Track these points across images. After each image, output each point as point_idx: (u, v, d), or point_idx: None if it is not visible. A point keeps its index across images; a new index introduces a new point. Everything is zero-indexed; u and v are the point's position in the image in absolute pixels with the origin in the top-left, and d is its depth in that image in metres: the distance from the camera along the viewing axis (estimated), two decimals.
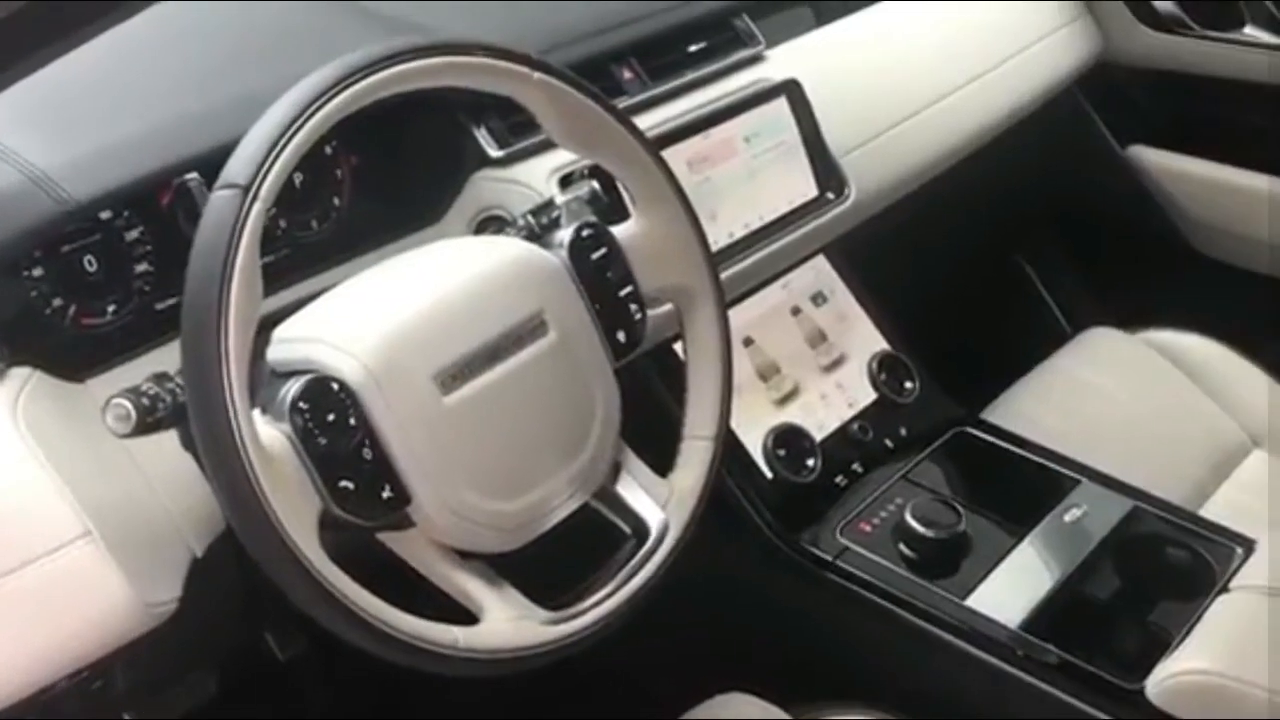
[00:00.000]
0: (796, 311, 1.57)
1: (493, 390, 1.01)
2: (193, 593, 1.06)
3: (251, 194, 0.88)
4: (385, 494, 0.95)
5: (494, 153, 1.34)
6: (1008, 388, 1.73)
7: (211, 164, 1.17)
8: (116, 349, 1.13)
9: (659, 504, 1.12)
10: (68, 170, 1.05)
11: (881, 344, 1.62)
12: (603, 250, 1.12)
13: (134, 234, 1.17)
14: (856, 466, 1.50)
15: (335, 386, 0.93)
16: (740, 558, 1.41)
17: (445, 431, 0.98)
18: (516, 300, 1.04)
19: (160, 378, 0.96)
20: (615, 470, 1.12)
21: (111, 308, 1.15)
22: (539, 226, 1.21)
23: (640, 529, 1.12)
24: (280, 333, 0.99)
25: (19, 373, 1.03)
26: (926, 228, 1.82)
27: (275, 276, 1.19)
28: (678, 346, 1.34)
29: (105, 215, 1.12)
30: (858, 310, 1.63)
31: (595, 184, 1.25)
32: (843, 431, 1.52)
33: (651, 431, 1.17)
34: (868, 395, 1.57)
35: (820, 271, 1.63)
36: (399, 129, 1.31)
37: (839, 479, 1.48)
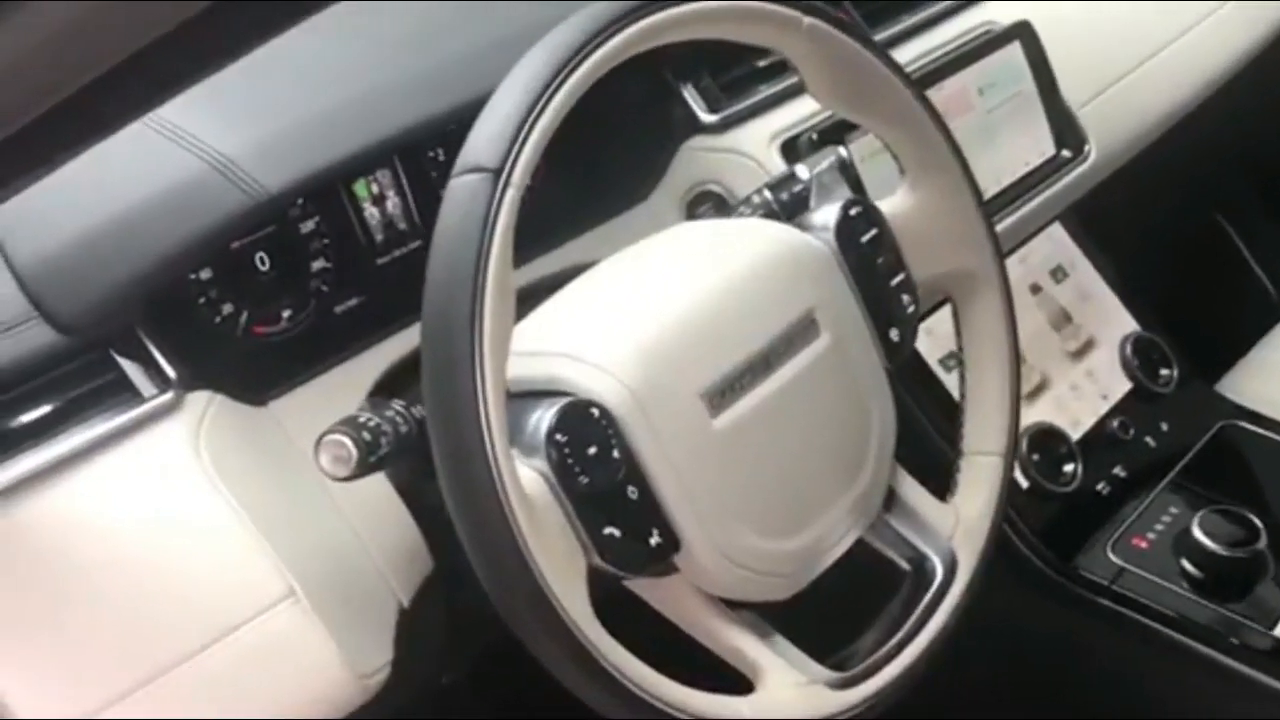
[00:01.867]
0: (1036, 290, 1.40)
1: (765, 408, 0.86)
2: (402, 654, 0.92)
3: (504, 179, 0.73)
4: (653, 540, 0.80)
5: (706, 117, 1.19)
6: (1226, 359, 1.55)
7: (422, 142, 1.05)
8: (297, 363, 0.99)
9: (944, 534, 0.97)
10: (255, 156, 0.91)
11: (1131, 324, 1.45)
12: (873, 232, 0.96)
13: (310, 225, 1.03)
14: (1119, 470, 1.33)
15: (595, 413, 0.78)
16: (997, 587, 1.24)
17: (717, 460, 0.83)
18: (787, 297, 0.89)
19: (377, 404, 0.82)
20: (889, 496, 0.97)
21: (287, 313, 1.02)
22: (779, 204, 1.05)
23: (920, 564, 0.97)
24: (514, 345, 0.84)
25: (197, 398, 0.90)
26: (1144, 185, 1.63)
27: None
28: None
29: None
30: (1101, 285, 1.46)
31: (843, 151, 1.09)
32: (1100, 429, 1.35)
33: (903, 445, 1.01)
34: (1122, 385, 1.40)
35: (1057, 242, 1.46)
36: (595, 94, 1.16)
37: (1101, 486, 1.31)
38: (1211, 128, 1.69)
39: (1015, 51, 1.38)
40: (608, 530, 0.78)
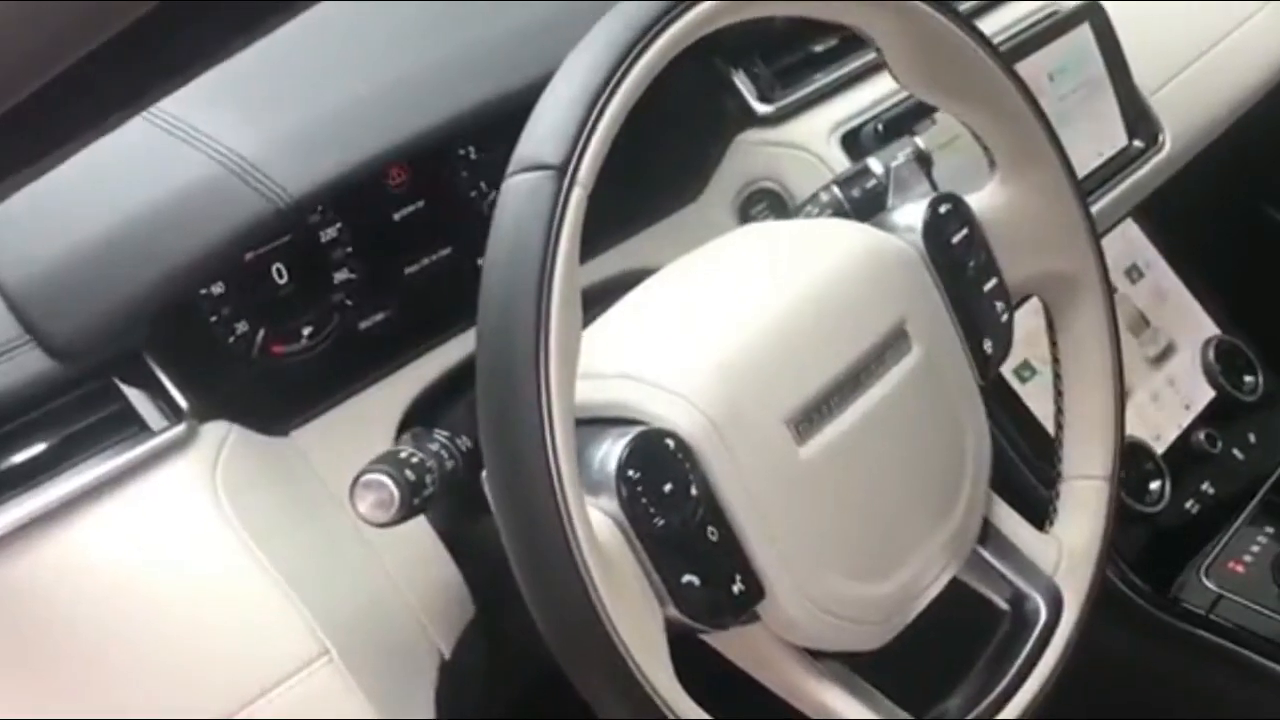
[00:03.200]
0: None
1: (854, 433, 0.77)
2: (444, 709, 0.83)
3: (570, 176, 0.64)
4: (736, 587, 0.71)
5: (761, 108, 1.10)
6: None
7: (451, 139, 0.96)
8: (320, 387, 0.90)
9: (1047, 569, 0.88)
10: (274, 156, 0.82)
11: (1211, 327, 1.36)
12: (964, 232, 0.87)
13: (331, 232, 0.94)
14: (1207, 487, 1.24)
15: (670, 445, 0.69)
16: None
17: (804, 495, 0.74)
18: (876, 307, 0.80)
19: (420, 436, 0.73)
20: (983, 527, 0.88)
21: (308, 330, 0.93)
22: (851, 202, 0.96)
23: (1020, 604, 0.87)
24: None
25: (213, 430, 0.81)
26: (1216, 176, 1.54)
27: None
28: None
29: None
30: (1178, 285, 1.37)
31: (920, 142, 0.99)
32: (1185, 442, 1.26)
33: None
34: (1204, 393, 1.31)
35: (1131, 239, 1.37)
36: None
37: (1190, 505, 1.22)
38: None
39: (1085, 34, 1.30)
40: (686, 578, 0.69)
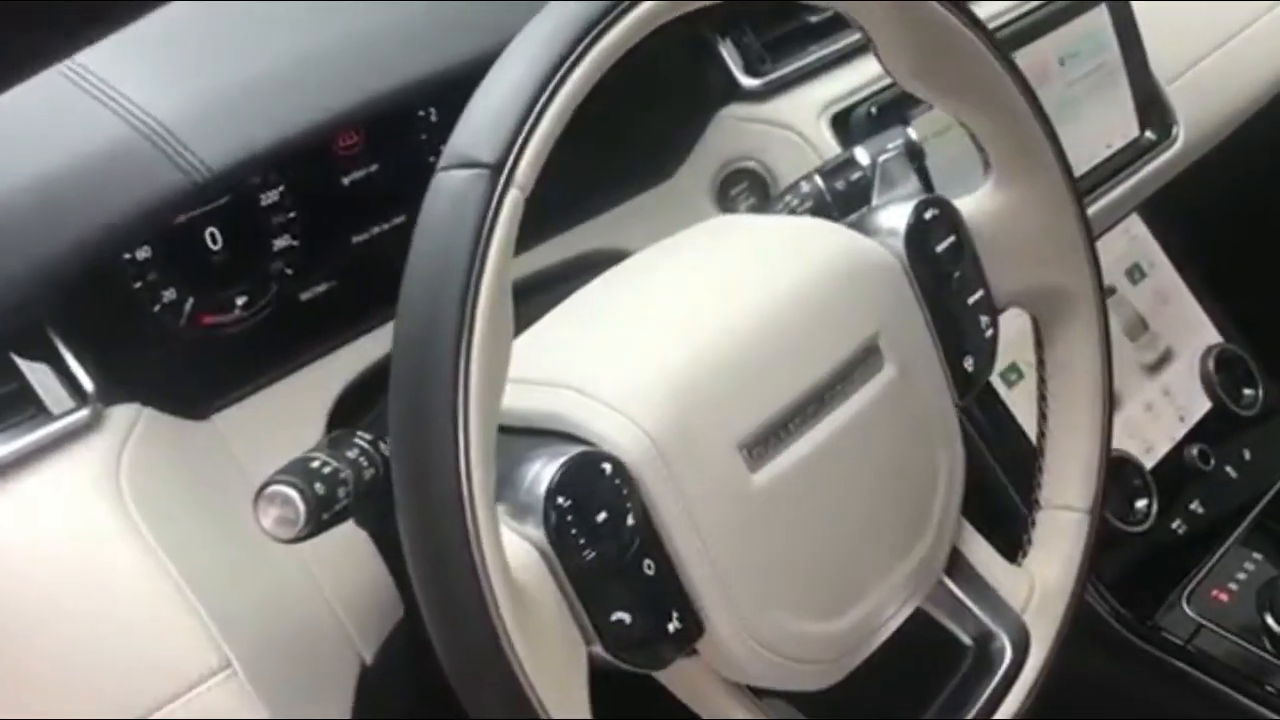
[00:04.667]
0: (1110, 292, 1.26)
1: (815, 458, 0.72)
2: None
3: (505, 176, 0.58)
4: (672, 625, 0.66)
5: (747, 82, 1.04)
6: None
7: (410, 102, 0.90)
8: (251, 363, 0.85)
9: (1015, 606, 0.83)
10: (195, 124, 0.76)
11: (1213, 334, 1.31)
12: (950, 239, 0.81)
13: (272, 196, 0.88)
14: (1196, 506, 1.19)
15: (607, 469, 0.64)
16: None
17: (755, 526, 0.69)
18: (847, 320, 0.75)
19: (338, 440, 0.68)
20: (953, 557, 0.83)
21: (242, 300, 0.87)
22: (834, 195, 0.90)
23: (986, 643, 0.83)
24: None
25: (122, 413, 0.75)
26: (1227, 173, 1.48)
27: None
28: None
29: None
30: (1181, 288, 1.32)
31: (911, 132, 0.93)
32: (1177, 457, 1.21)
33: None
34: (1201, 404, 1.27)
35: (1135, 237, 1.31)
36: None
37: (1177, 524, 1.17)
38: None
39: (1101, 17, 1.23)
40: (616, 615, 0.64)
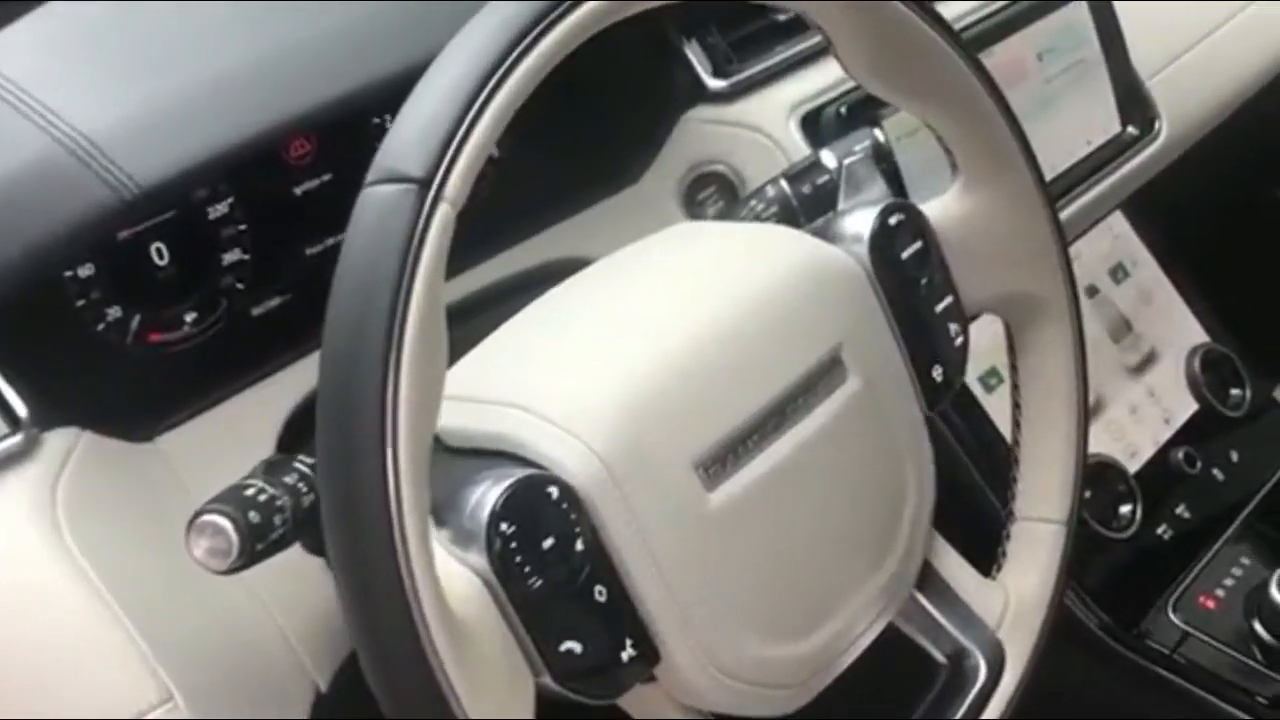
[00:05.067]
0: (1093, 292, 1.24)
1: (776, 475, 0.69)
2: None
3: (435, 191, 0.56)
4: (626, 653, 0.64)
5: (713, 83, 1.02)
6: None
7: (363, 108, 0.88)
8: (200, 382, 0.83)
9: (989, 622, 0.81)
10: (125, 138, 0.73)
11: (1199, 334, 1.28)
12: (916, 245, 0.79)
13: (221, 209, 0.86)
14: (1182, 510, 1.17)
15: (553, 493, 0.62)
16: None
17: (712, 548, 0.67)
18: (809, 332, 0.72)
19: (275, 466, 0.66)
20: (924, 571, 0.81)
21: (191, 316, 0.85)
22: (800, 199, 0.88)
23: (960, 660, 0.81)
24: (450, 386, 0.67)
25: (59, 438, 0.73)
26: (1212, 168, 1.45)
27: None
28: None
29: None
30: (1166, 286, 1.30)
31: (879, 133, 0.91)
32: (1161, 460, 1.19)
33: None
34: (1187, 406, 1.24)
35: (1118, 235, 1.29)
36: (579, 49, 0.98)
37: (1162, 530, 1.15)
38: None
39: (1080, 11, 1.21)
40: (566, 645, 0.62)
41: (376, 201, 0.56)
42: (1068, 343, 0.84)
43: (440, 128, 0.56)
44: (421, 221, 0.55)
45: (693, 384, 0.67)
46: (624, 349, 0.68)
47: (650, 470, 0.65)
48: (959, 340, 0.81)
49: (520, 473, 0.62)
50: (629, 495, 0.64)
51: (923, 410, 0.79)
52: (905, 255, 0.78)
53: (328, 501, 0.55)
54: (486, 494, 0.61)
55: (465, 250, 0.95)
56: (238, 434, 0.80)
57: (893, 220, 0.78)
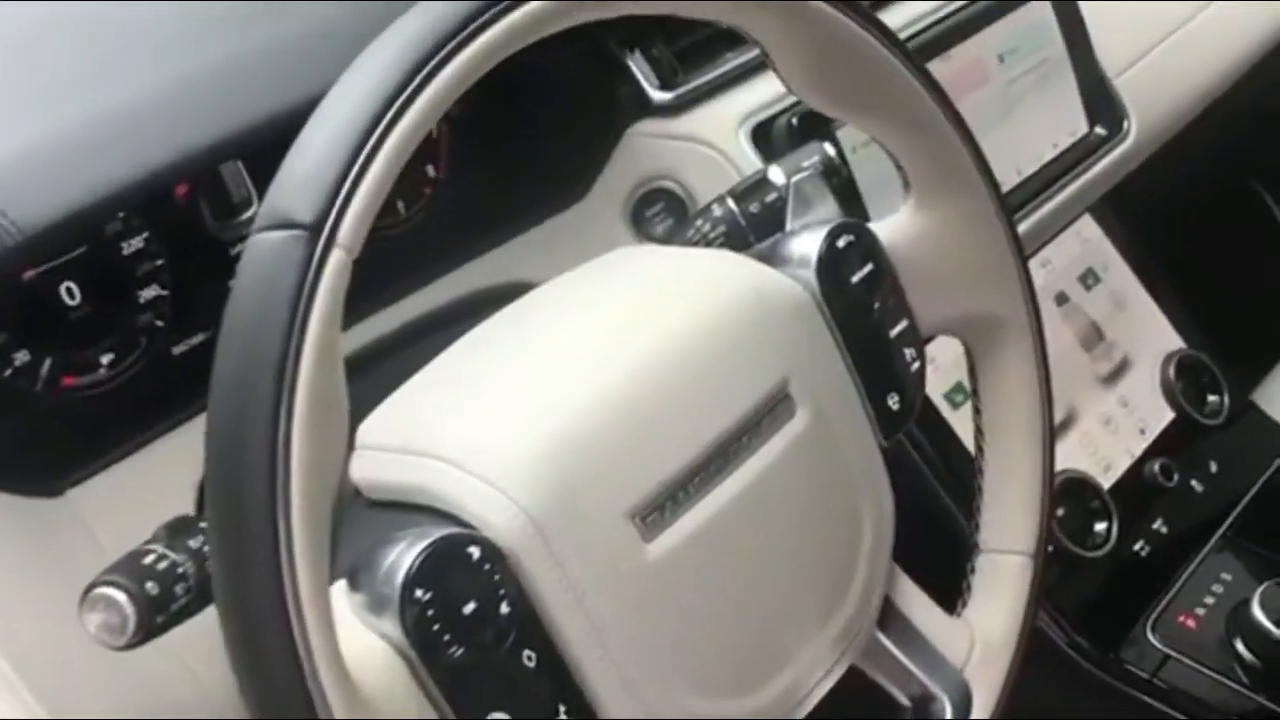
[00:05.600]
0: (1063, 300, 1.20)
1: (720, 520, 0.65)
2: None
3: (325, 237, 0.52)
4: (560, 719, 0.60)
5: (658, 95, 0.98)
6: (1263, 336, 1.38)
7: (277, 137, 0.83)
8: (117, 429, 0.78)
9: (955, 660, 0.77)
10: (10, 178, 0.69)
11: (1174, 339, 1.25)
12: (867, 268, 0.75)
13: (137, 243, 0.82)
14: (1160, 525, 1.14)
15: (474, 554, 0.58)
16: None
17: (652, 603, 0.63)
18: (753, 366, 0.69)
19: (177, 529, 0.62)
20: (885, 609, 0.77)
21: (107, 358, 0.81)
22: (747, 219, 0.84)
23: (925, 703, 0.77)
24: (370, 433, 0.63)
25: None
26: (1184, 167, 1.41)
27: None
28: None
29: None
30: (1139, 291, 1.26)
31: (829, 148, 0.87)
32: (1137, 473, 1.16)
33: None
34: (1162, 415, 1.21)
35: (1088, 239, 1.25)
36: (519, 63, 0.94)
37: (1139, 546, 1.11)
38: (1257, 93, 1.47)
39: (1042, 9, 1.17)
40: (493, 717, 0.58)
41: (263, 249, 0.52)
42: (1030, 365, 0.80)
43: (331, 168, 0.52)
44: (312, 270, 0.51)
45: (626, 427, 0.63)
46: (552, 391, 0.64)
47: (581, 523, 0.61)
48: (915, 366, 0.77)
49: (438, 532, 0.58)
50: (558, 551, 0.60)
51: (879, 441, 0.76)
52: (855, 279, 0.74)
53: (215, 573, 0.51)
54: (402, 556, 0.57)
55: (401, 277, 0.92)
56: (157, 484, 0.76)
57: (841, 242, 0.74)
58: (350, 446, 0.60)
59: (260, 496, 0.50)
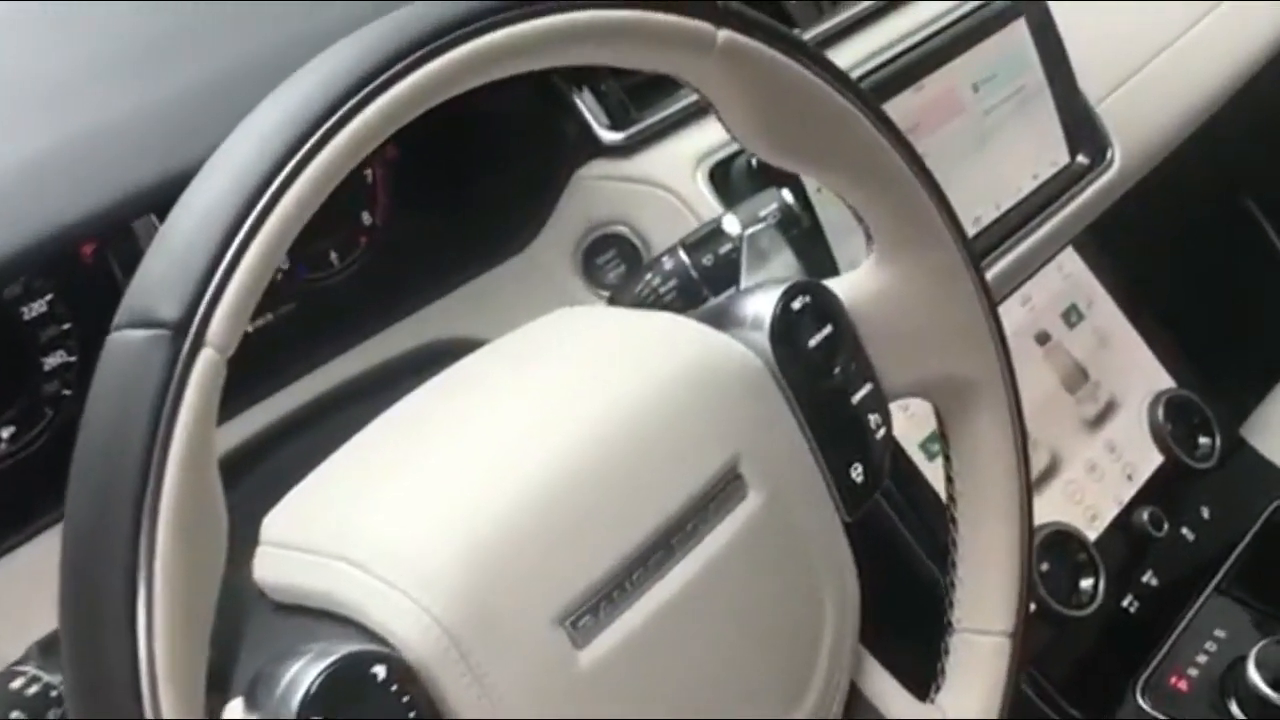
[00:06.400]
0: (1044, 339, 1.15)
1: (661, 620, 0.60)
2: None
3: (192, 337, 0.46)
4: None
5: (608, 136, 0.92)
6: (1255, 370, 1.34)
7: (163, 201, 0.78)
8: (14, 511, 0.73)
9: None
10: None
11: (1163, 378, 1.20)
12: (826, 330, 0.69)
13: (38, 307, 0.76)
14: (1149, 578, 1.08)
15: (379, 674, 0.52)
16: None
17: (586, 714, 0.57)
18: (698, 446, 0.63)
19: (50, 646, 0.56)
20: (851, 697, 0.71)
21: (8, 431, 0.75)
22: (700, 272, 0.79)
23: None
24: (276, 527, 0.58)
25: None
26: (1170, 195, 1.36)
27: (269, 358, 0.80)
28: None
29: None
30: (1125, 327, 1.21)
31: (787, 195, 0.82)
32: (1124, 523, 1.10)
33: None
34: (1151, 459, 1.15)
35: (1070, 273, 1.20)
36: (460, 102, 0.88)
37: (1128, 602, 1.06)
38: (1248, 109, 1.42)
39: (1020, 32, 1.12)
40: None
41: (123, 350, 0.46)
42: (1005, 428, 0.75)
43: (198, 259, 0.46)
44: (177, 374, 0.46)
45: (554, 521, 0.58)
46: (473, 482, 0.58)
47: (504, 633, 0.55)
48: (881, 432, 0.72)
49: (341, 649, 0.52)
50: (477, 665, 0.54)
51: (842, 517, 0.70)
52: (812, 343, 0.69)
53: (71, 701, 0.46)
54: (300, 675, 0.51)
55: (335, 334, 0.87)
56: (47, 577, 0.70)
57: (796, 304, 0.69)
58: (255, 542, 0.55)
59: (118, 615, 0.45)
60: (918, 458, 1.00)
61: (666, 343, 0.66)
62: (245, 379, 0.82)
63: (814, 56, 0.64)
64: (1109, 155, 1.17)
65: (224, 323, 0.46)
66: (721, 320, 0.70)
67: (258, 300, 0.48)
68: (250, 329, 0.88)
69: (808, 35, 1.04)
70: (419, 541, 0.56)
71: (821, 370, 0.69)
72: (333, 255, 0.89)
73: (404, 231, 0.90)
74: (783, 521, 0.66)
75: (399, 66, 0.51)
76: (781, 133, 0.65)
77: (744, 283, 0.75)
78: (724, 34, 0.60)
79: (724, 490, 0.63)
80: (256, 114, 0.49)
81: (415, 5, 0.55)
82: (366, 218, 0.90)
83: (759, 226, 0.77)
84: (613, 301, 0.84)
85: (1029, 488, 0.76)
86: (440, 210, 0.92)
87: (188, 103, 0.78)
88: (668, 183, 0.91)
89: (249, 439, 0.79)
